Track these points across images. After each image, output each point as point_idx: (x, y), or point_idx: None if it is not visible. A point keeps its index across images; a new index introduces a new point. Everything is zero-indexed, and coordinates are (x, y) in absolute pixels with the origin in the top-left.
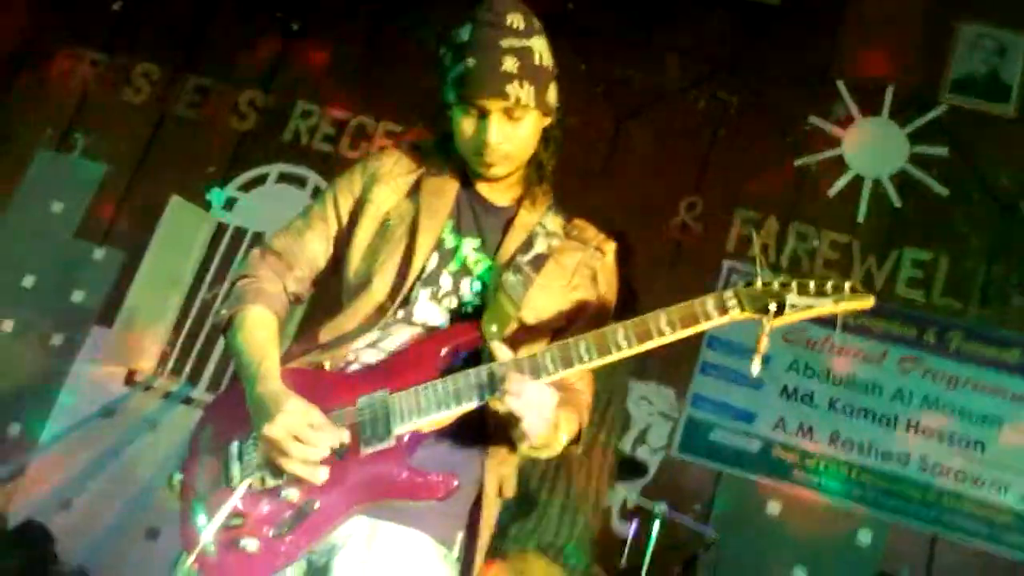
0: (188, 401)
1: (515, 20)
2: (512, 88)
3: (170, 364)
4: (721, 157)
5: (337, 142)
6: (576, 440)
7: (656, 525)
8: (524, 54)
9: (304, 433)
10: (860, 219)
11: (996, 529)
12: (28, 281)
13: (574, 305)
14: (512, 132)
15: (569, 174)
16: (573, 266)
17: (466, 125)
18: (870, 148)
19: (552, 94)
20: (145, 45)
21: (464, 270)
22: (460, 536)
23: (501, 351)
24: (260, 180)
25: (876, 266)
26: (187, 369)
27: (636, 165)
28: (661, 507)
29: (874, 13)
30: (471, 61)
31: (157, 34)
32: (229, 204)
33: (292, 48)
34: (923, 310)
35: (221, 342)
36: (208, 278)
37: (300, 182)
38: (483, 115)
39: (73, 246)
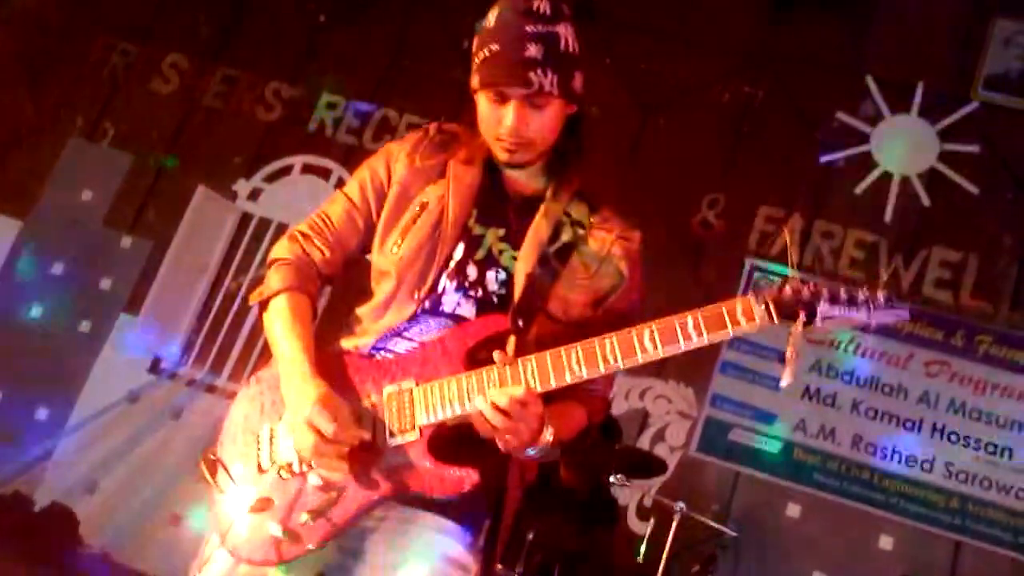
0: (212, 389)
1: (541, 5)
2: (535, 75)
3: (195, 352)
4: (746, 153)
5: (361, 134)
6: (580, 439)
7: (674, 524)
8: (549, 40)
9: (328, 428)
10: (887, 218)
11: (1020, 535)
12: (57, 268)
13: (599, 295)
14: (533, 119)
15: (591, 167)
16: (599, 256)
17: (488, 111)
18: (899, 145)
19: (578, 81)
20: (175, 36)
21: (489, 259)
22: (486, 524)
23: (504, 356)
24: (285, 171)
25: (903, 266)
26: (211, 357)
27: (660, 160)
28: (679, 506)
29: (905, 9)
30: (494, 46)
31: (187, 25)
32: (254, 195)
33: (318, 40)
34: (951, 312)
35: (245, 331)
36: (233, 268)
37: (324, 174)
38: (505, 101)
39: (102, 234)
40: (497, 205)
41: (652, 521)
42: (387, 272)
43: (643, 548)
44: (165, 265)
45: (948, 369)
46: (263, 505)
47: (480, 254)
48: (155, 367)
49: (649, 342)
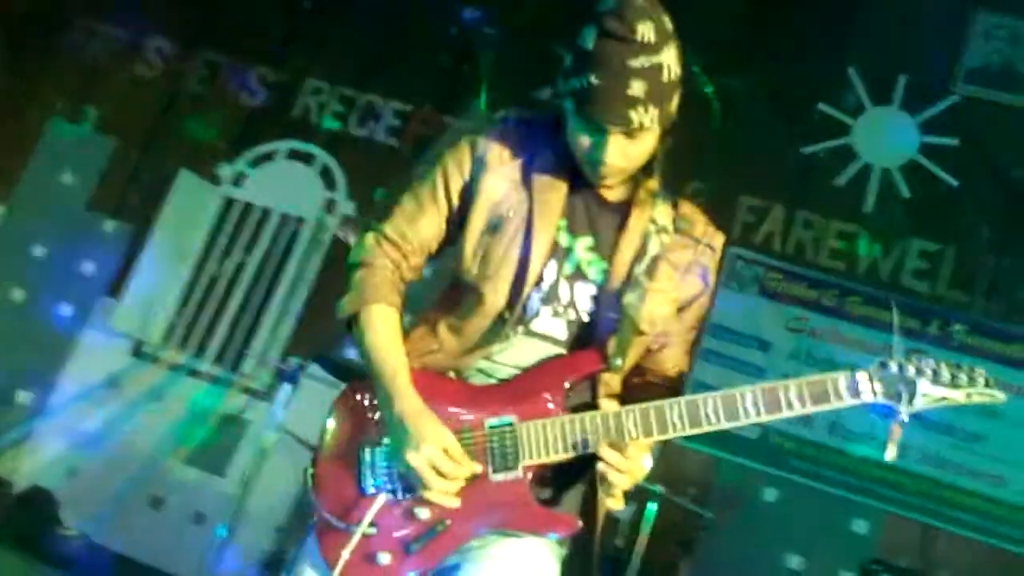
0: (194, 374)
1: (646, 32)
2: (636, 114)
3: (177, 337)
4: (728, 143)
5: (346, 120)
6: None
7: (654, 506)
8: (653, 74)
9: (444, 465)
10: (867, 209)
11: (992, 522)
12: (39, 251)
13: (682, 303)
14: (630, 150)
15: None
16: (685, 265)
17: (582, 139)
18: (880, 137)
19: (675, 103)
20: (158, 20)
21: (578, 273)
22: (573, 543)
23: (611, 385)
24: (269, 156)
25: (882, 256)
26: (194, 342)
27: None
28: (659, 489)
29: (888, 1)
30: (594, 79)
31: (170, 9)
32: (238, 179)
33: (303, 25)
34: (928, 302)
35: (228, 316)
36: (217, 252)
37: (308, 159)
38: (601, 134)
39: (84, 218)
40: (584, 214)
41: (632, 504)
42: (474, 287)
43: (621, 531)
44: (148, 249)
45: (925, 357)
46: (369, 531)
47: (569, 268)
48: (137, 350)
49: (752, 406)
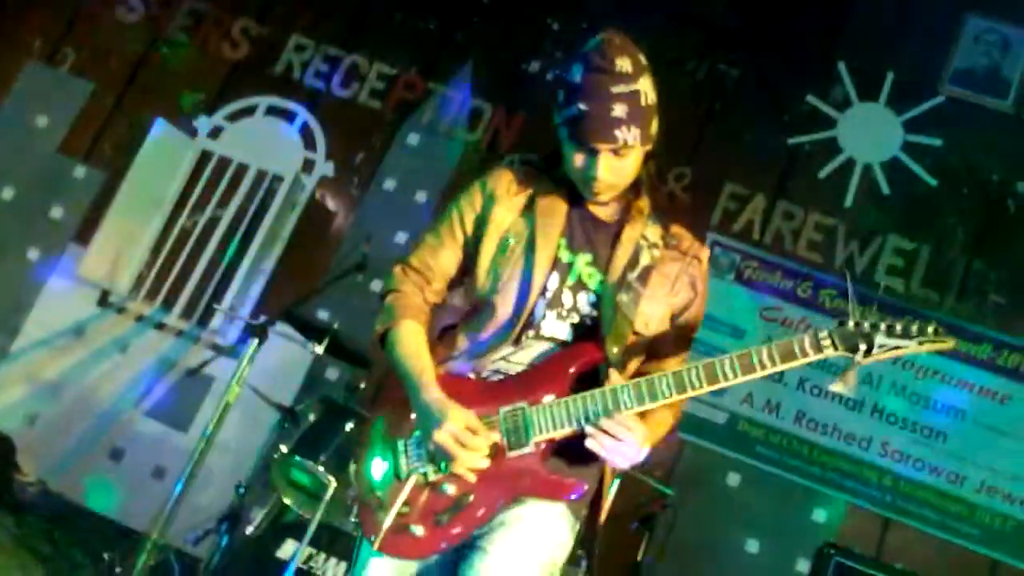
0: (161, 327)
1: (624, 64)
2: (620, 132)
3: (145, 288)
4: (716, 130)
5: (329, 79)
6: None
7: (615, 483)
8: (632, 98)
9: (466, 438)
10: (848, 203)
11: (949, 518)
12: (7, 193)
13: (676, 310)
14: (618, 167)
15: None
16: (675, 275)
17: (577, 160)
18: (865, 133)
19: (654, 126)
20: None
21: (580, 284)
22: (584, 512)
23: (616, 377)
24: (248, 111)
25: (859, 251)
26: (162, 295)
27: None
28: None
29: None
30: (583, 106)
31: None
32: (215, 132)
33: None
34: (900, 299)
35: (199, 269)
36: (190, 205)
37: (288, 117)
38: (593, 153)
39: (55, 162)
40: (582, 232)
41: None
42: (488, 302)
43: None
44: (119, 197)
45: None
46: (404, 509)
47: (571, 280)
48: (104, 300)
49: (730, 370)
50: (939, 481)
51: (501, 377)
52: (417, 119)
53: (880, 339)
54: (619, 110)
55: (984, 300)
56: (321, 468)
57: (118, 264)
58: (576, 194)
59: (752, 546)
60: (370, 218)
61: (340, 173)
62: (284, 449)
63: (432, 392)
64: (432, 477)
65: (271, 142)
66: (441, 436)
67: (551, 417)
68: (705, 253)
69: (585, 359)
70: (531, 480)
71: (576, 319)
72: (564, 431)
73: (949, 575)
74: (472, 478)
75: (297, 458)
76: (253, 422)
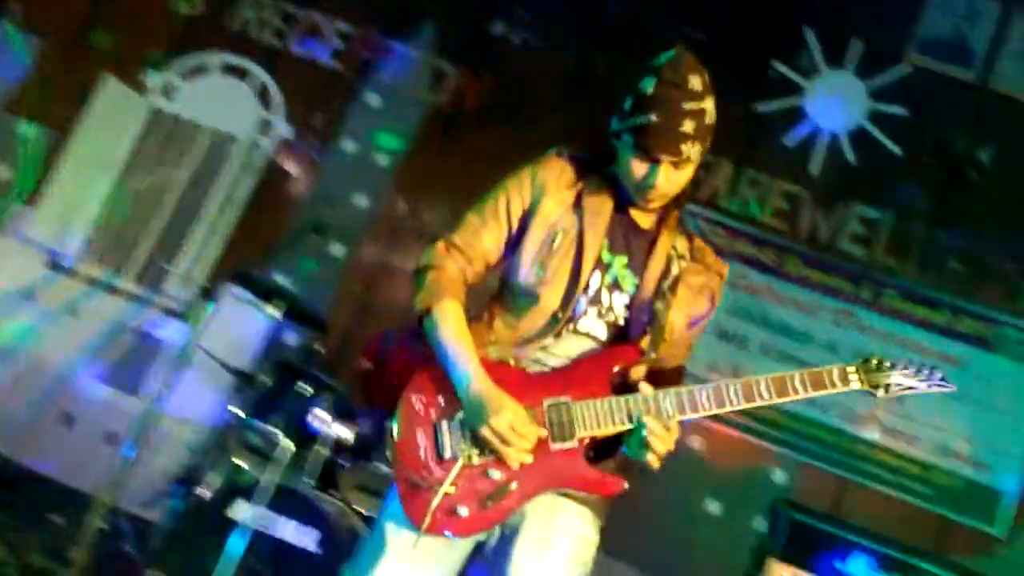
0: (112, 290)
1: (695, 82)
2: (686, 147)
3: (96, 251)
4: None
5: (286, 37)
6: None
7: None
8: (699, 116)
9: (521, 428)
10: (813, 171)
11: (904, 478)
12: None
13: (693, 318)
14: (674, 179)
15: (534, 98)
16: (698, 287)
17: (637, 167)
18: (831, 101)
19: (708, 144)
20: None
21: (616, 285)
22: (607, 512)
23: (648, 388)
24: (203, 69)
25: (823, 219)
26: (114, 258)
27: (598, 96)
28: None
29: None
30: (653, 117)
31: None
32: (168, 90)
33: None
34: (863, 266)
35: (153, 232)
36: (142, 165)
37: (244, 75)
38: (654, 163)
39: (2, 120)
40: (622, 236)
41: None
42: (531, 293)
43: None
44: (68, 157)
45: (854, 320)
46: (450, 490)
47: (609, 280)
48: (54, 263)
49: (765, 391)
50: (895, 442)
51: (541, 368)
52: (377, 79)
53: (897, 379)
54: (687, 126)
55: (944, 268)
56: (275, 431)
57: (68, 226)
58: (620, 197)
59: (713, 507)
60: (330, 181)
61: (299, 135)
62: (238, 412)
63: (483, 381)
64: (477, 461)
65: (227, 101)
66: (497, 424)
67: (596, 414)
68: (726, 269)
69: (627, 361)
70: (574, 474)
71: (612, 318)
72: (609, 429)
73: (903, 533)
74: (524, 463)
75: (251, 420)
76: (208, 386)
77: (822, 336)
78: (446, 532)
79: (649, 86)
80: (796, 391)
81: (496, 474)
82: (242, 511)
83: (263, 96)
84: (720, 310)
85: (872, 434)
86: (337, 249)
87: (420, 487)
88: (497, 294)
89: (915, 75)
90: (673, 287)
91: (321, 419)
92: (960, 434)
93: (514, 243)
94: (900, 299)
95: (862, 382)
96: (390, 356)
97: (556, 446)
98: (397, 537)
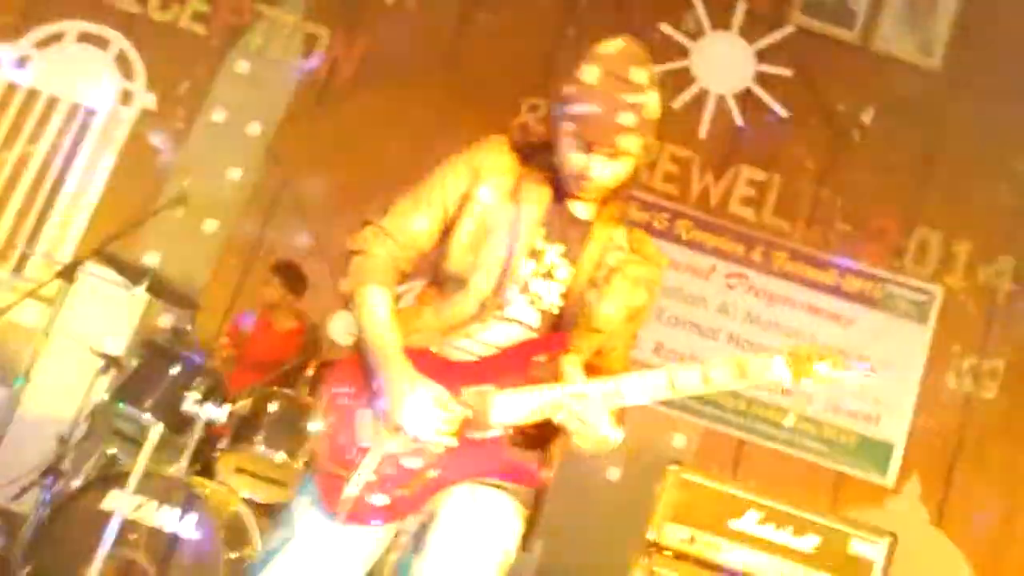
0: None
1: (638, 75)
2: (623, 140)
3: None
4: (568, 58)
5: (145, 2)
6: None
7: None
8: (640, 109)
9: (439, 413)
10: (702, 134)
11: (795, 435)
12: None
13: (631, 312)
14: (612, 170)
15: (412, 62)
16: (635, 278)
17: (574, 156)
18: (717, 63)
19: (651, 138)
20: None
21: (549, 274)
22: (532, 500)
23: (577, 370)
24: (57, 38)
25: (713, 182)
26: None
27: (480, 59)
28: None
29: None
30: (593, 107)
31: None
32: (21, 62)
33: None
34: (753, 228)
35: (10, 213)
36: None
37: (102, 44)
38: (590, 151)
39: None
40: (559, 225)
41: None
42: (461, 279)
43: None
44: None
45: (747, 282)
46: (370, 478)
47: (542, 269)
48: None
49: (689, 381)
50: (785, 402)
51: (466, 355)
52: (245, 45)
53: (822, 369)
54: (627, 119)
55: (831, 228)
56: (145, 415)
57: None
58: (558, 185)
59: (613, 474)
60: (198, 152)
61: (163, 105)
62: (106, 396)
63: (402, 365)
64: (396, 449)
65: (84, 72)
66: (413, 409)
67: (516, 403)
68: (665, 261)
69: (553, 350)
70: (495, 462)
71: (544, 307)
72: (528, 418)
73: (800, 488)
74: (439, 451)
75: (120, 404)
76: (75, 371)
77: (716, 300)
78: (363, 521)
79: (591, 75)
80: (722, 381)
81: (415, 462)
82: (115, 500)
83: (122, 64)
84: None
85: (764, 395)
86: (209, 225)
87: (339, 477)
88: (430, 282)
89: (798, 36)
90: (608, 279)
91: (193, 401)
92: (849, 390)
93: (448, 228)
94: (790, 260)
95: (791, 373)
96: (248, 339)
97: (476, 435)
98: (311, 526)
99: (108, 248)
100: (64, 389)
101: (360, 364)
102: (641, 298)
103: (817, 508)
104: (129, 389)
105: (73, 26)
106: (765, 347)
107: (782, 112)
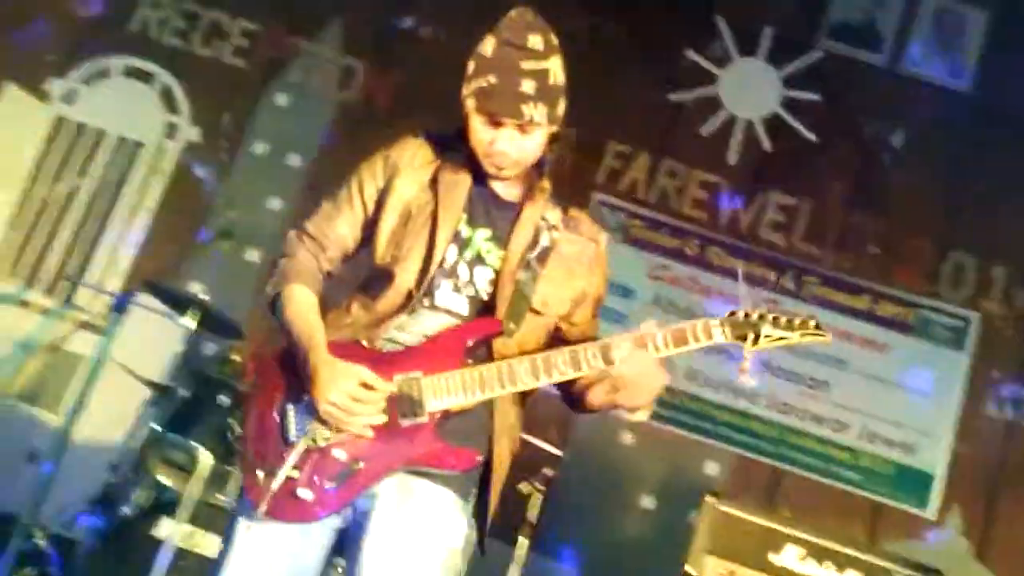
0: (24, 304)
1: (535, 42)
2: (527, 108)
3: (4, 265)
4: (596, 87)
5: (189, 37)
6: None
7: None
8: (541, 76)
9: (362, 395)
10: (730, 160)
11: (833, 465)
12: None
13: (575, 292)
14: (522, 143)
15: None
16: (573, 257)
17: (482, 133)
18: (745, 89)
19: (561, 107)
20: None
21: (478, 259)
22: (474, 490)
23: (508, 350)
24: (104, 73)
25: (743, 208)
26: (23, 271)
27: None
28: None
29: None
30: (492, 79)
31: None
32: (70, 97)
33: None
34: (783, 254)
35: (61, 243)
36: (47, 175)
37: (147, 78)
38: (497, 126)
39: None
40: (483, 209)
41: None
42: (387, 271)
43: None
44: None
45: (778, 308)
46: (293, 473)
47: (469, 255)
48: None
49: (625, 351)
50: (823, 429)
51: (395, 347)
52: (285, 78)
53: (767, 329)
54: (527, 86)
55: (862, 253)
56: (193, 443)
57: None
58: (480, 171)
59: (647, 502)
60: (240, 183)
61: (207, 137)
62: (156, 426)
63: (321, 354)
64: (322, 442)
65: (130, 106)
66: (335, 395)
67: (446, 387)
68: (604, 236)
69: (482, 332)
70: (424, 450)
71: (472, 292)
72: (459, 401)
73: (838, 517)
74: (369, 434)
75: (169, 435)
76: (126, 400)
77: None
78: (289, 517)
79: (489, 48)
80: (657, 349)
81: (342, 454)
82: (166, 528)
83: (167, 98)
84: (644, 303)
85: (800, 422)
86: (251, 255)
87: (264, 473)
88: (358, 286)
89: (826, 61)
90: (541, 259)
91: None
92: (886, 418)
93: (371, 225)
94: (821, 285)
95: (726, 335)
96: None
97: (405, 422)
98: (243, 527)
99: (154, 278)
100: (114, 417)
101: (286, 359)
102: (582, 278)
103: (855, 539)
104: (179, 418)
105: (119, 61)
106: (798, 375)
107: (810, 136)
